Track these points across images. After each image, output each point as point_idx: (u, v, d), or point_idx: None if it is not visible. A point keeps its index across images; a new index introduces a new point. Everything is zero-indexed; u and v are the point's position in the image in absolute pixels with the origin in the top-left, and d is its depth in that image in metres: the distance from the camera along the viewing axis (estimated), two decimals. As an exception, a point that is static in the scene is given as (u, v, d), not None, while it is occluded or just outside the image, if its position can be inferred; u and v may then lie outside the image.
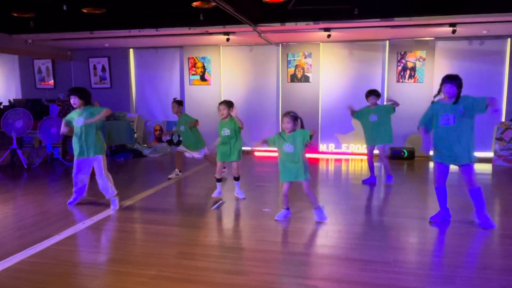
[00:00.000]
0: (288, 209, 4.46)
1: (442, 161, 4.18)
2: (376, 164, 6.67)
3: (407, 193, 5.74)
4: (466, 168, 4.08)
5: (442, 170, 4.22)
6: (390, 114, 6.11)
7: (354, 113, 6.28)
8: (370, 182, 6.24)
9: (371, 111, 6.08)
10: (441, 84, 4.06)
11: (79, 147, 4.70)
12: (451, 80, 4.01)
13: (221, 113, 5.25)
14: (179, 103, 6.54)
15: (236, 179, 5.32)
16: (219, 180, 5.34)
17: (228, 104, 5.28)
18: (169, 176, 6.59)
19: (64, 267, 3.24)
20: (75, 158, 4.77)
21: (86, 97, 4.71)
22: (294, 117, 4.19)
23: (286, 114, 4.21)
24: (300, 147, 4.18)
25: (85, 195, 5.04)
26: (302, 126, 4.27)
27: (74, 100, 4.64)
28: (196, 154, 6.49)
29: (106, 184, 4.79)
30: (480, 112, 3.91)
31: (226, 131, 5.20)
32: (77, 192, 4.94)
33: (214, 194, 5.34)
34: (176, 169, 6.66)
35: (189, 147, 6.46)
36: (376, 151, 6.32)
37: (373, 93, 6.08)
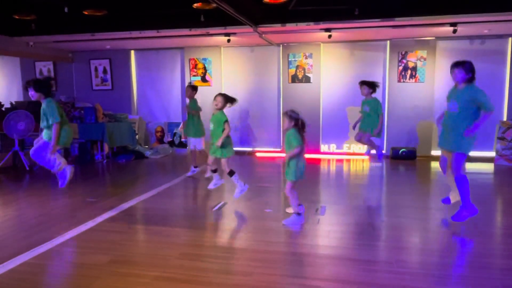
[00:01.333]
0: (299, 205, 4.43)
1: (442, 145, 4.25)
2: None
3: (409, 192, 5.74)
4: (455, 156, 4.07)
5: (444, 156, 4.32)
6: (378, 111, 6.33)
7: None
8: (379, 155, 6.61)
9: (364, 103, 6.43)
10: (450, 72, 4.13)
11: None
12: (457, 65, 4.08)
13: (215, 104, 5.05)
14: (192, 87, 6.66)
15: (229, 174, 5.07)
16: (214, 171, 5.23)
17: (227, 98, 5.09)
18: (188, 175, 6.73)
19: (67, 268, 3.25)
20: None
21: (43, 89, 4.51)
22: (289, 116, 4.16)
23: (284, 113, 4.23)
24: (287, 148, 4.21)
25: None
26: (303, 127, 4.18)
27: (30, 92, 4.49)
28: (194, 142, 6.64)
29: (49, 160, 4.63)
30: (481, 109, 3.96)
31: (211, 125, 5.08)
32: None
33: (210, 186, 5.33)
34: (191, 166, 6.81)
35: (189, 132, 6.63)
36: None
37: (364, 84, 6.40)
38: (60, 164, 4.67)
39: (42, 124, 4.64)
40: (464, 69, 4.04)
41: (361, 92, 6.45)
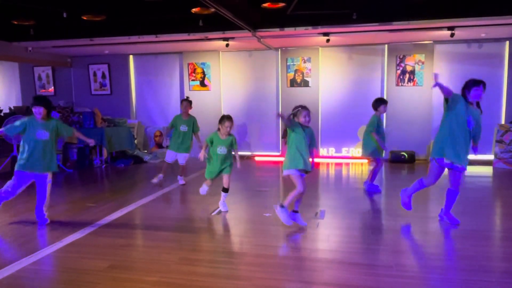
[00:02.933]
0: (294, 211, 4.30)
1: (452, 158, 4.13)
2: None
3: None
4: (462, 171, 4.20)
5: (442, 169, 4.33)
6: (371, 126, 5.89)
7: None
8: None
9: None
10: (473, 86, 4.03)
11: (35, 161, 4.33)
12: (484, 84, 4.06)
13: (228, 131, 4.83)
14: (191, 102, 6.55)
15: (225, 190, 4.94)
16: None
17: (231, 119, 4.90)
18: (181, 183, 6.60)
19: (66, 274, 3.24)
20: (19, 170, 4.36)
21: (50, 108, 4.42)
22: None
23: (306, 108, 4.15)
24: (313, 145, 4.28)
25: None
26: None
27: (39, 110, 4.29)
28: (182, 158, 6.40)
29: (45, 205, 4.45)
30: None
31: (223, 150, 4.83)
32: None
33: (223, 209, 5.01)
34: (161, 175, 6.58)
35: (180, 149, 6.37)
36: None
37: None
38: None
39: (46, 154, 4.35)
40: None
41: (383, 112, 5.98)
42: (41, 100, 4.36)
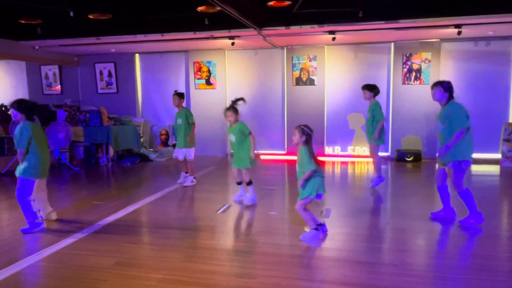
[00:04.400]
0: (320, 225, 3.99)
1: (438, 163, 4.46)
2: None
3: (413, 195, 5.72)
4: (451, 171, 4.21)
5: (439, 172, 4.46)
6: (376, 116, 5.95)
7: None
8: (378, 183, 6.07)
9: (369, 108, 6.07)
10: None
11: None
12: (436, 84, 4.28)
13: (231, 120, 5.09)
14: (180, 95, 6.48)
15: (248, 183, 5.22)
16: (240, 183, 5.34)
17: (235, 109, 5.10)
18: (179, 182, 6.57)
19: (73, 271, 3.26)
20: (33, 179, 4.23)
21: (25, 111, 4.19)
22: (301, 130, 3.81)
23: (297, 126, 3.88)
24: (299, 167, 3.95)
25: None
26: (307, 142, 3.85)
27: (13, 112, 4.21)
28: (181, 153, 6.34)
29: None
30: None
31: (232, 137, 5.13)
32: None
33: (235, 198, 5.38)
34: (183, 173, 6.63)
35: (179, 144, 6.37)
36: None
37: (364, 88, 6.06)
38: (38, 217, 4.23)
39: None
40: (442, 88, 4.22)
41: (363, 97, 6.10)
42: (13, 103, 4.23)
